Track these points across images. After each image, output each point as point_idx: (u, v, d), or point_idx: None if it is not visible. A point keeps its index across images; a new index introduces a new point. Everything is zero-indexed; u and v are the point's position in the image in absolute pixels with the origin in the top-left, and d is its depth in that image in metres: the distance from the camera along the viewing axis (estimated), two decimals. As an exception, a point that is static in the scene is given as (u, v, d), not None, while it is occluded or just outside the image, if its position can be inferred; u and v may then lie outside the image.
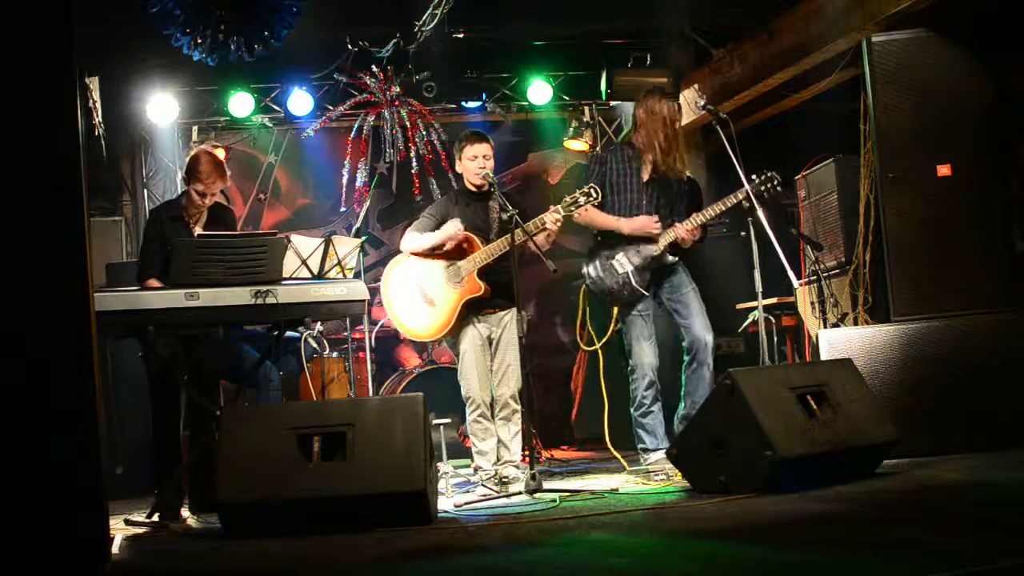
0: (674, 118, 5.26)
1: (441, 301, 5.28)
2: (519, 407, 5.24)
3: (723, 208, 5.15)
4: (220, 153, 7.65)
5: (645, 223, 5.23)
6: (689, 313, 5.24)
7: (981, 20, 5.34)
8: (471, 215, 5.35)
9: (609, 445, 5.47)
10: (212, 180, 4.83)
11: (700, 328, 5.19)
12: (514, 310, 4.98)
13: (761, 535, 3.20)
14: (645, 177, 5.30)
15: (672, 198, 5.34)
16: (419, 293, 5.33)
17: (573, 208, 5.08)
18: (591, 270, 5.34)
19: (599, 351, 5.70)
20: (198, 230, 4.90)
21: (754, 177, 5.07)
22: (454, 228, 5.21)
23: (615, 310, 5.42)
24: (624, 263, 5.25)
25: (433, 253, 5.31)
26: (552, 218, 5.05)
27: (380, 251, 8.43)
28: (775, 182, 5.08)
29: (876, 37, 5.39)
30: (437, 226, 5.35)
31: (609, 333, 5.51)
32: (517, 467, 5.20)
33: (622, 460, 5.50)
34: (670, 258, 5.27)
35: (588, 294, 5.49)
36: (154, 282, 4.68)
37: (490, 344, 5.31)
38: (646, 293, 5.23)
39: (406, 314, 5.36)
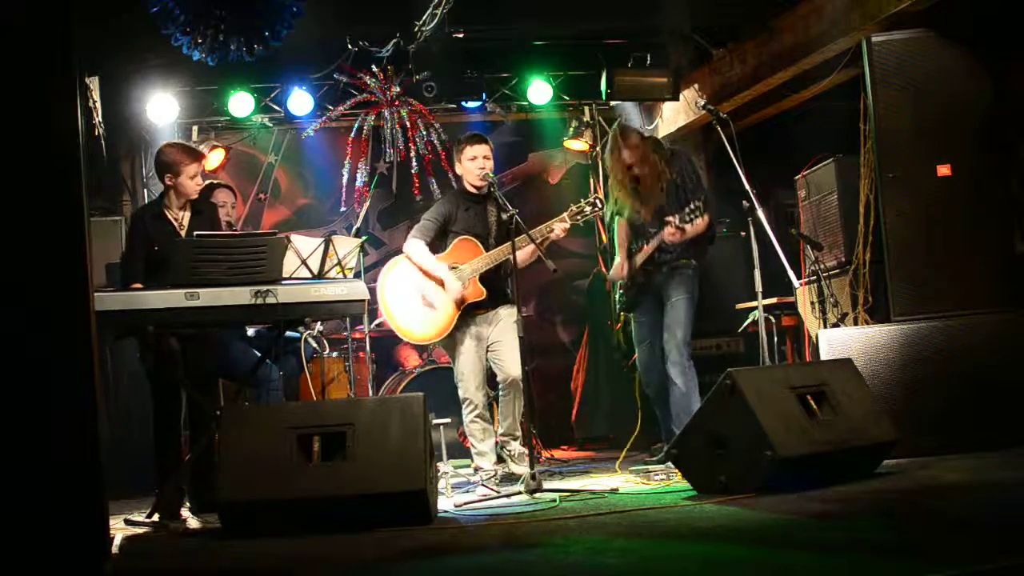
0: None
1: (441, 305, 5.29)
2: (521, 388, 5.22)
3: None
4: (218, 154, 7.69)
5: None
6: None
7: (981, 20, 5.33)
8: (471, 219, 5.38)
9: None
10: (191, 159, 4.82)
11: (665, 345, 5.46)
12: (510, 309, 5.02)
13: (761, 535, 3.20)
14: None
15: None
16: (419, 296, 5.35)
17: (579, 218, 5.23)
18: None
19: None
20: (184, 222, 4.87)
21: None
22: (452, 291, 5.26)
23: (622, 313, 5.85)
24: None
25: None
26: (561, 227, 5.19)
27: (380, 251, 8.43)
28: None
29: (876, 37, 5.39)
30: (439, 230, 5.39)
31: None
32: (523, 445, 5.22)
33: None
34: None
35: None
36: (138, 285, 4.67)
37: (483, 345, 5.33)
38: None
39: (404, 317, 5.38)
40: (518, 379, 5.20)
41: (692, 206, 5.21)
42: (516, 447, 5.25)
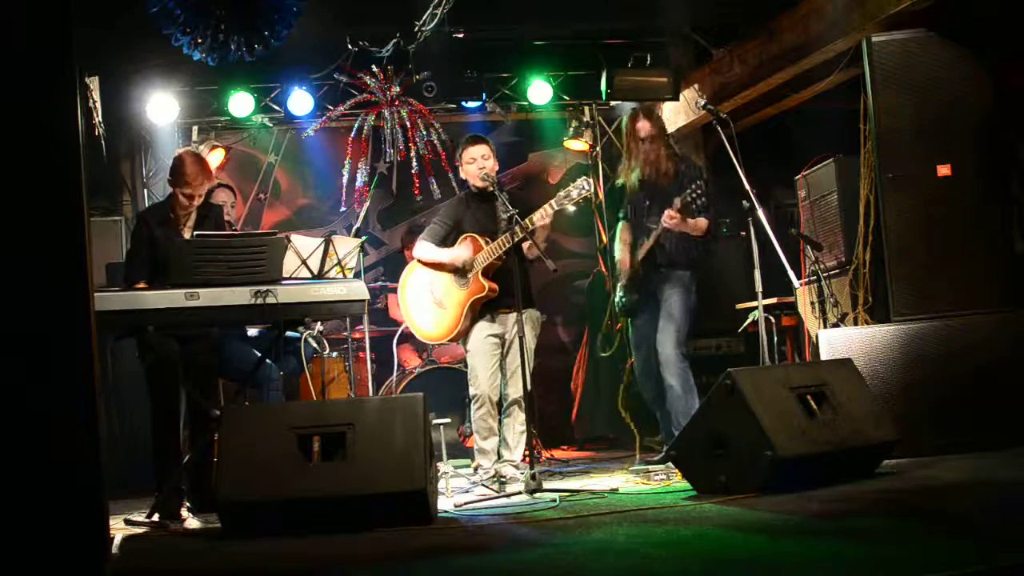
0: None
1: (449, 303, 5.32)
2: (521, 410, 5.23)
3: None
4: (218, 154, 7.68)
5: None
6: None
7: (981, 20, 5.33)
8: (480, 217, 5.38)
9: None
10: (199, 182, 4.80)
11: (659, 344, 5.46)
12: (528, 311, 5.00)
13: (761, 535, 3.20)
14: None
15: None
16: (430, 296, 5.39)
17: (566, 201, 5.05)
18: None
19: None
20: (187, 233, 4.87)
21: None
22: (458, 257, 5.29)
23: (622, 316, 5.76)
24: None
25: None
26: (539, 215, 4.99)
27: (380, 251, 8.44)
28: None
29: (876, 37, 5.39)
30: (448, 233, 5.40)
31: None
32: (516, 467, 5.20)
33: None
34: None
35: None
36: (142, 286, 4.66)
37: (502, 344, 5.32)
38: None
39: (420, 317, 5.46)
40: (516, 400, 5.23)
41: (694, 185, 5.14)
42: (508, 471, 5.18)
